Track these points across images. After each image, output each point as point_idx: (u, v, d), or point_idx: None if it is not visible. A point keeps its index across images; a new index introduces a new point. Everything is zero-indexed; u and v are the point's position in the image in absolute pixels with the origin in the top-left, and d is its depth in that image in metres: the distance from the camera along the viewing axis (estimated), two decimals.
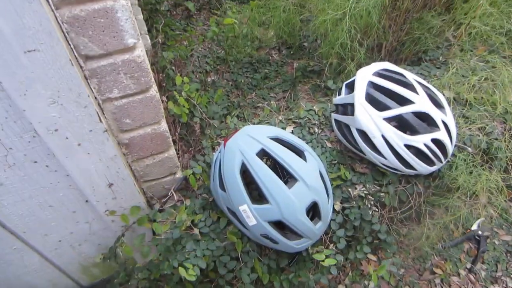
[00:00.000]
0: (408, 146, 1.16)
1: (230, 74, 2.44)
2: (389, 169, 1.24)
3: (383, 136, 1.16)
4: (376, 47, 1.99)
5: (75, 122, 0.85)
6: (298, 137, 1.32)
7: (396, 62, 1.86)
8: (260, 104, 2.22)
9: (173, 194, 1.19)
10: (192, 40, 1.84)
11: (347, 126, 1.24)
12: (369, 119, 1.16)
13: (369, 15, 1.55)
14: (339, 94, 1.30)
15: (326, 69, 1.99)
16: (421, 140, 1.15)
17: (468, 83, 1.41)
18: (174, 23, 2.32)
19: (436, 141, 1.16)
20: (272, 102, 2.23)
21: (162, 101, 1.06)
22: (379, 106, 1.16)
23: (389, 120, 1.15)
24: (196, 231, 1.12)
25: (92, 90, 0.84)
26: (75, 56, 0.76)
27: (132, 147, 1.02)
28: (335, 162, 1.29)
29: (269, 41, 2.61)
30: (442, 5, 1.72)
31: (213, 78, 2.40)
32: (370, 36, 1.86)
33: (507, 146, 1.39)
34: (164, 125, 1.01)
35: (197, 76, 2.31)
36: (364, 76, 1.20)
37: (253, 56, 2.50)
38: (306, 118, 1.40)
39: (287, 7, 2.07)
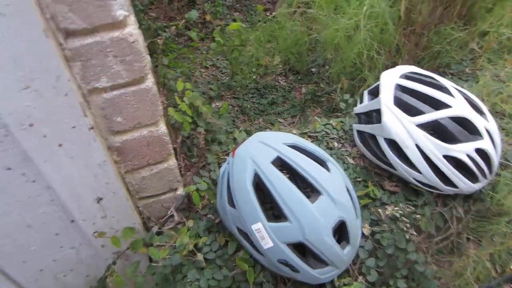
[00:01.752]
0: (447, 158, 0.99)
1: (235, 100, 2.32)
2: (424, 186, 1.06)
3: (417, 146, 1.00)
4: (392, 66, 1.88)
5: (54, 115, 0.70)
6: None
7: None
8: (268, 130, 2.09)
9: (173, 214, 1.02)
10: (195, 56, 1.73)
11: (373, 137, 1.08)
12: (399, 126, 1.00)
13: (386, 25, 1.44)
14: (361, 102, 1.16)
15: (338, 92, 1.86)
16: (464, 150, 0.98)
17: (501, 93, 1.27)
18: (176, 46, 2.25)
19: (480, 152, 0.99)
20: (280, 126, 2.10)
21: (162, 102, 0.91)
22: (410, 111, 1.01)
23: (423, 126, 0.99)
24: (199, 256, 0.93)
25: (74, 77, 0.69)
26: (52, 28, 0.62)
27: (125, 153, 0.86)
28: (360, 179, 1.11)
29: (275, 68, 2.52)
30: (461, 18, 1.63)
31: (217, 104, 2.29)
32: (387, 48, 1.75)
33: None
34: (162, 127, 0.86)
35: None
36: (391, 78, 1.06)
37: (259, 82, 2.40)
38: (324, 132, 1.25)
39: (294, 27, 1.98)
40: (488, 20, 1.44)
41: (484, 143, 0.99)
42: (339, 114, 1.48)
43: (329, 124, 1.30)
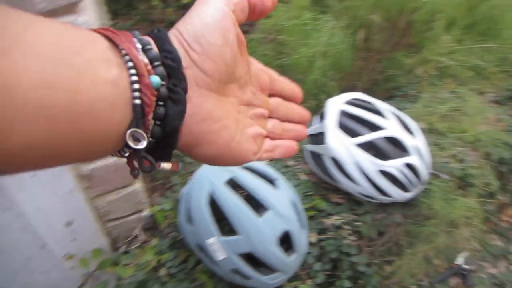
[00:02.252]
0: (381, 172, 1.14)
1: None
2: (364, 197, 1.21)
3: (356, 163, 1.14)
4: (352, 88, 2.04)
5: None
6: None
7: None
8: None
9: (139, 234, 1.12)
10: None
11: (320, 156, 1.22)
12: (341, 146, 1.14)
13: (341, 56, 1.60)
14: (312, 125, 1.29)
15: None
16: (395, 165, 1.13)
17: (437, 113, 1.43)
18: None
19: (409, 166, 1.14)
20: None
21: None
22: (351, 133, 1.15)
23: (361, 146, 1.14)
24: (162, 272, 1.04)
25: None
26: None
27: (94, 179, 0.97)
28: (310, 193, 1.24)
29: None
30: (411, 46, 1.80)
31: None
32: (342, 76, 1.91)
33: (481, 173, 1.38)
34: None
35: None
36: (335, 105, 1.20)
37: None
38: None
39: (264, 52, 2.13)
40: (431, 49, 1.60)
41: (413, 159, 1.14)
42: None
43: None
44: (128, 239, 1.11)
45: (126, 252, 1.10)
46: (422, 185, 1.22)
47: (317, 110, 1.71)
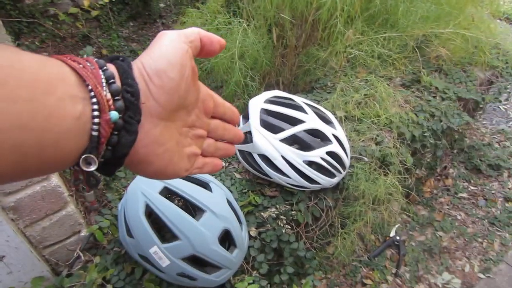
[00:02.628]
0: (308, 163, 1.24)
1: None
2: (296, 187, 1.30)
3: (283, 157, 1.22)
4: (276, 84, 2.14)
5: None
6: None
7: (294, 93, 2.01)
8: None
9: (80, 255, 1.11)
10: None
11: (250, 154, 1.29)
12: (267, 143, 1.22)
13: (257, 56, 1.68)
14: (238, 126, 1.36)
15: None
16: (317, 155, 1.23)
17: (352, 101, 1.57)
18: None
19: (331, 154, 1.25)
20: None
21: None
22: (274, 130, 1.23)
23: (285, 141, 1.23)
24: (109, 287, 1.04)
25: None
26: None
27: (21, 210, 0.95)
28: (246, 190, 1.31)
29: None
30: (323, 40, 1.94)
31: None
32: (265, 74, 2.01)
33: (397, 152, 1.55)
34: (54, 180, 0.96)
35: None
36: (256, 104, 1.28)
37: None
38: None
39: None
40: (339, 42, 1.75)
41: (333, 147, 1.25)
42: None
43: None
44: (70, 261, 1.10)
45: (69, 275, 1.09)
46: (346, 170, 1.34)
47: (244, 110, 1.79)
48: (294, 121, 1.24)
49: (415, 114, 1.68)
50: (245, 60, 1.78)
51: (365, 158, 1.47)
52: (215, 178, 1.31)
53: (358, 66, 1.85)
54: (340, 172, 1.30)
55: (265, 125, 1.25)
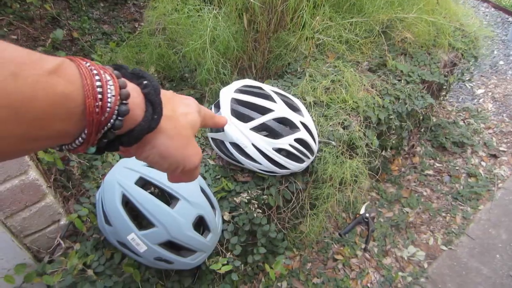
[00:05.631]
0: (277, 150, 1.31)
1: None
2: (267, 173, 1.37)
3: (253, 145, 1.29)
4: (249, 68, 2.18)
5: None
6: None
7: (266, 78, 2.06)
8: None
9: (60, 242, 1.17)
10: None
11: (222, 142, 1.35)
12: (238, 132, 1.28)
13: (229, 42, 1.72)
14: None
15: (207, 95, 2.11)
16: (286, 142, 1.30)
17: (321, 87, 1.64)
18: None
19: (299, 140, 1.32)
20: None
21: None
22: (245, 119, 1.29)
23: (255, 129, 1.29)
24: (90, 272, 1.11)
25: None
26: None
27: (2, 202, 0.99)
28: (219, 177, 1.38)
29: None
30: (293, 25, 1.98)
31: None
32: (238, 58, 2.05)
33: (363, 135, 1.63)
34: (32, 174, 1.00)
35: None
36: (227, 94, 1.33)
37: None
38: None
39: (157, 43, 2.17)
40: (307, 29, 1.79)
41: (301, 134, 1.33)
42: None
43: None
44: (51, 249, 1.15)
45: (51, 261, 1.14)
46: (315, 155, 1.42)
47: (216, 97, 1.83)
48: (264, 110, 1.30)
49: (381, 97, 1.76)
50: (217, 47, 1.81)
51: (333, 142, 1.55)
52: None
53: (327, 51, 1.90)
54: (308, 157, 1.38)
55: (236, 114, 1.30)
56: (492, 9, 4.09)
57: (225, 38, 1.73)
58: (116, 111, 0.34)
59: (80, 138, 0.33)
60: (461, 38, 2.21)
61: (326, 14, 1.80)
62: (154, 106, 0.37)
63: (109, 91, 0.33)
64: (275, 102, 1.32)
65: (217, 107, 1.38)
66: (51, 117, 0.30)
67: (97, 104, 0.32)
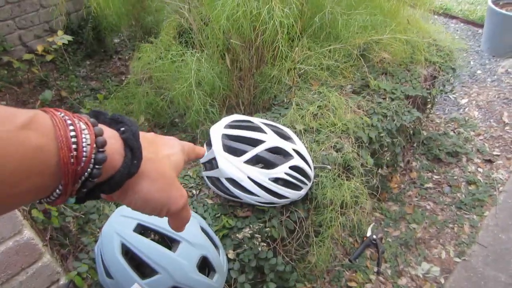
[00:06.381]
0: (274, 180, 1.30)
1: None
2: (266, 205, 1.36)
3: (249, 178, 1.28)
4: (237, 105, 2.22)
5: None
6: None
7: (254, 112, 2.08)
8: None
9: None
10: None
11: (218, 179, 1.34)
12: (232, 167, 1.28)
13: (214, 83, 1.76)
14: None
15: (199, 137, 2.13)
16: (281, 171, 1.30)
17: (308, 114, 1.66)
18: None
19: (294, 168, 1.32)
20: None
21: (21, 209, 1.03)
22: (237, 153, 1.29)
23: (249, 162, 1.29)
24: None
25: None
26: None
27: None
28: (219, 215, 1.36)
29: (141, 127, 2.70)
30: (274, 59, 2.04)
31: None
32: (225, 97, 2.08)
33: (357, 156, 1.64)
34: (27, 233, 0.98)
35: None
36: (217, 131, 1.34)
37: None
38: (182, 184, 1.47)
39: (144, 92, 2.21)
40: (288, 61, 1.84)
41: (295, 161, 1.33)
42: (194, 163, 1.72)
43: (187, 175, 1.53)
44: None
45: None
46: (312, 180, 1.41)
47: (207, 136, 1.85)
48: (255, 142, 1.31)
49: (369, 117, 1.79)
50: (203, 88, 1.85)
51: (328, 166, 1.55)
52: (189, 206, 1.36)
53: (310, 80, 1.95)
54: (305, 183, 1.37)
55: (228, 149, 1.30)
56: (462, 24, 4.26)
57: (210, 79, 1.77)
58: (92, 160, 0.33)
59: (57, 190, 0.33)
60: (436, 52, 2.28)
61: (305, 45, 1.86)
62: (133, 151, 0.37)
63: (84, 140, 0.33)
64: (265, 133, 1.33)
65: (209, 145, 1.39)
66: (26, 172, 0.29)
67: (71, 154, 0.32)
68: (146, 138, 0.41)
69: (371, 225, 2.09)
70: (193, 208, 1.37)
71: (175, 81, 1.90)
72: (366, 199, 1.50)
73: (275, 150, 1.32)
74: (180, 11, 2.22)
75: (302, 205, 1.49)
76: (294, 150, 1.34)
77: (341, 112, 1.70)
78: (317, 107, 1.69)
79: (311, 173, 1.39)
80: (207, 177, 1.40)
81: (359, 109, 1.81)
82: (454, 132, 2.78)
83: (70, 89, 3.13)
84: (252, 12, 1.56)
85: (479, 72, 3.47)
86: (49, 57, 2.84)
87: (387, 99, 1.91)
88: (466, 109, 3.04)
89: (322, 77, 1.88)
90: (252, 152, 1.29)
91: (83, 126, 0.34)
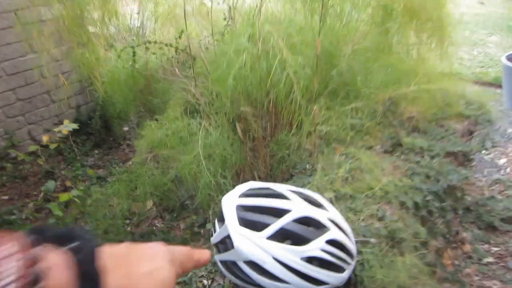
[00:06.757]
0: (307, 259, 0.99)
1: None
2: None
3: (274, 259, 0.98)
4: (252, 179, 1.97)
5: None
6: None
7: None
8: None
9: None
10: None
11: (234, 263, 1.04)
12: (251, 245, 0.99)
13: (224, 155, 1.55)
14: (215, 231, 1.13)
15: (211, 218, 1.85)
16: (316, 247, 1.00)
17: (338, 178, 1.40)
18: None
19: (332, 242, 1.02)
20: None
21: None
22: (257, 227, 1.01)
23: (273, 237, 1.00)
24: None
25: None
26: None
27: None
28: None
29: (149, 212, 2.44)
30: (290, 125, 1.85)
31: None
32: (239, 171, 1.86)
33: (405, 224, 1.33)
34: None
35: None
36: (231, 201, 1.08)
37: (135, 232, 2.27)
38: (191, 273, 1.17)
39: (150, 172, 2.00)
40: (307, 123, 1.65)
41: (332, 233, 1.03)
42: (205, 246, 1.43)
43: None
44: None
45: None
46: (355, 259, 1.09)
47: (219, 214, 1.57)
48: (279, 212, 1.03)
49: (409, 178, 1.51)
50: (214, 161, 1.63)
51: (372, 239, 1.24)
52: None
53: (332, 143, 1.72)
54: (348, 263, 1.06)
55: (246, 223, 1.02)
56: (477, 86, 4.16)
57: (220, 150, 1.56)
58: None
59: None
60: (467, 106, 2.07)
61: (323, 105, 1.68)
62: (91, 281, 0.28)
63: (6, 274, 0.22)
64: (290, 199, 1.06)
65: (221, 220, 1.11)
66: None
67: None
68: (114, 255, 0.32)
69: None
70: None
71: (182, 155, 1.70)
72: (428, 279, 1.15)
73: (305, 221, 1.03)
74: (187, 89, 2.12)
75: None
76: (329, 219, 1.05)
77: (377, 174, 1.44)
78: (348, 169, 1.43)
79: (353, 248, 1.08)
80: (220, 261, 1.10)
81: (396, 169, 1.55)
82: (501, 194, 2.44)
83: (75, 178, 2.97)
84: (261, 66, 1.40)
85: (510, 130, 3.23)
86: (52, 146, 2.72)
87: (425, 157, 1.65)
88: (508, 169, 2.73)
89: (346, 139, 1.65)
90: (276, 224, 1.00)
91: (10, 250, 0.24)
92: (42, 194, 2.86)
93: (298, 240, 1.01)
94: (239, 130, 1.79)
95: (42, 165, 3.03)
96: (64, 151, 3.27)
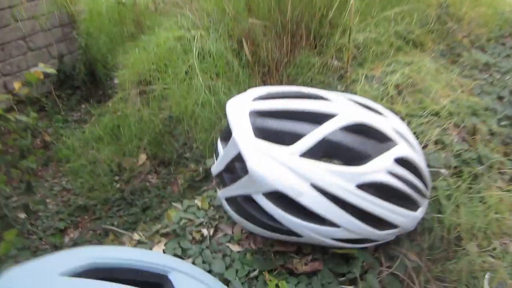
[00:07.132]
0: (363, 188, 0.62)
1: (96, 222, 1.78)
2: (351, 244, 0.66)
3: (313, 186, 0.60)
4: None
5: None
6: (175, 254, 0.69)
7: None
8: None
9: None
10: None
11: (248, 198, 0.66)
12: (276, 166, 0.61)
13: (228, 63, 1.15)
14: (217, 158, 0.75)
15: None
16: (381, 167, 0.62)
17: (389, 90, 1.01)
18: None
19: (402, 162, 0.64)
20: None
21: None
22: (284, 139, 0.63)
23: (311, 154, 0.62)
24: None
25: None
26: None
27: None
28: (256, 273, 0.66)
29: (143, 167, 2.09)
30: (314, 38, 1.45)
31: (72, 236, 1.72)
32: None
33: (483, 153, 0.95)
34: None
35: (46, 241, 1.62)
36: (241, 106, 0.69)
37: (124, 189, 1.92)
38: (184, 221, 0.80)
39: (136, 110, 1.62)
40: (338, 31, 1.25)
41: (402, 149, 0.65)
42: (205, 188, 1.06)
43: (192, 206, 0.86)
44: None
45: None
46: (429, 191, 0.72)
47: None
48: (318, 117, 0.64)
49: (479, 97, 1.12)
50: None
51: (443, 171, 0.86)
52: (192, 260, 0.67)
53: (368, 60, 1.32)
54: (424, 195, 0.68)
55: (265, 134, 0.64)
56: None
57: (222, 62, 1.16)
58: None
59: None
60: None
61: (356, 8, 1.26)
62: None
63: None
64: (331, 100, 0.68)
65: (225, 138, 0.73)
66: None
67: None
68: None
69: (487, 276, 1.32)
70: (204, 262, 0.69)
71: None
72: None
73: (361, 130, 0.65)
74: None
75: (411, 244, 0.77)
76: (396, 130, 0.67)
77: (438, 89, 1.04)
78: (402, 77, 1.04)
79: (427, 175, 0.70)
80: (227, 199, 0.73)
81: (459, 87, 1.15)
82: None
83: (55, 133, 2.61)
84: None
85: None
86: (23, 92, 2.32)
87: (493, 74, 1.25)
88: None
89: (389, 51, 1.25)
90: (315, 134, 0.62)
91: None
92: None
93: (350, 158, 0.62)
94: (246, 50, 1.39)
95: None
96: (46, 106, 2.90)
